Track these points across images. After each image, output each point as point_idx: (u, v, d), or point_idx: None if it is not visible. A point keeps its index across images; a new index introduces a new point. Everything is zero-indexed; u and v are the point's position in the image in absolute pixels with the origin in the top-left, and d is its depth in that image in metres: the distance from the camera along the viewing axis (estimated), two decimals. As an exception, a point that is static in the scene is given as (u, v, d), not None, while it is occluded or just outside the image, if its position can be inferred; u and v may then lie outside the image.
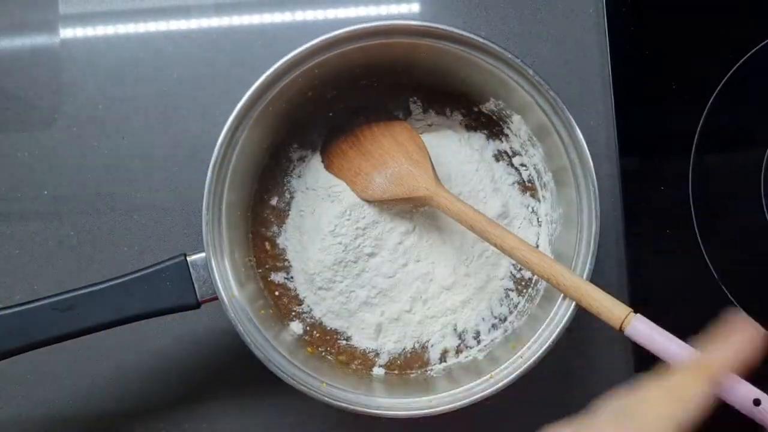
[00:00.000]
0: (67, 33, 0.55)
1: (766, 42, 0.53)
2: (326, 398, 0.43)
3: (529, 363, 0.43)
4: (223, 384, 0.53)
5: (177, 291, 0.43)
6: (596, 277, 0.44)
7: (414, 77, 0.50)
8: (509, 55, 0.44)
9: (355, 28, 0.44)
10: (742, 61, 0.53)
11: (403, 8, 0.56)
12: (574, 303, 0.43)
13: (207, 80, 0.54)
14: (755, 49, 0.53)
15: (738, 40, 0.53)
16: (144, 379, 0.52)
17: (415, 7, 0.56)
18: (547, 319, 0.44)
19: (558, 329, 0.43)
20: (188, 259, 0.43)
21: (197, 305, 0.43)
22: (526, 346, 0.44)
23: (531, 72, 0.43)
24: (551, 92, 0.44)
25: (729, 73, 0.53)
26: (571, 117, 0.44)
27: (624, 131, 0.53)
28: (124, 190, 0.54)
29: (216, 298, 0.43)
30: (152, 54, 0.55)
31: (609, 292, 0.42)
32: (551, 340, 0.43)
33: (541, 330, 0.44)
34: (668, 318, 0.52)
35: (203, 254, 0.43)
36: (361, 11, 0.56)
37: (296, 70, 0.44)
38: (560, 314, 0.44)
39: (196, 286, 0.43)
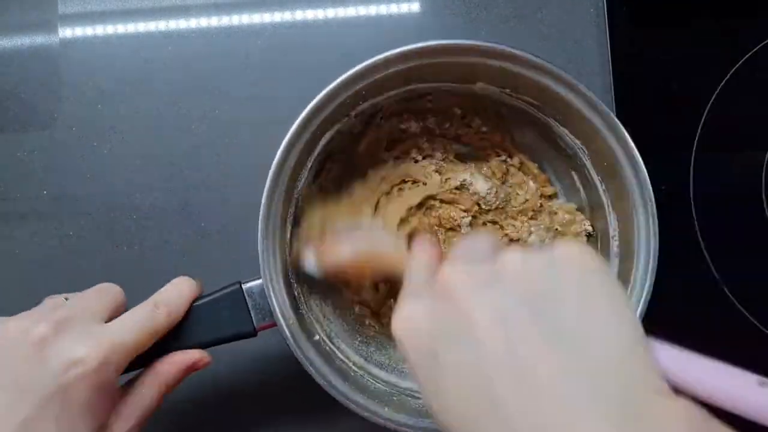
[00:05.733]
0: (66, 33, 0.55)
1: (766, 42, 0.53)
2: (392, 424, 0.42)
3: None
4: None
5: (234, 319, 0.42)
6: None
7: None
8: (565, 75, 0.44)
9: (410, 49, 0.43)
10: (742, 61, 0.53)
11: (403, 7, 0.56)
12: (641, 305, 0.43)
13: (206, 79, 0.54)
14: (755, 49, 0.53)
15: (738, 40, 0.53)
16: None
17: (415, 7, 0.56)
18: None
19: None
20: (243, 286, 0.42)
21: (254, 333, 0.43)
22: None
23: (583, 88, 0.43)
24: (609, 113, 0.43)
25: (729, 73, 0.53)
26: (629, 138, 0.43)
27: (624, 131, 0.54)
28: (124, 190, 0.54)
29: (273, 325, 0.42)
30: (152, 54, 0.55)
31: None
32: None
33: None
34: (668, 317, 0.52)
35: (259, 281, 0.42)
36: (361, 10, 0.56)
37: (344, 92, 0.43)
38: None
39: (252, 313, 0.42)
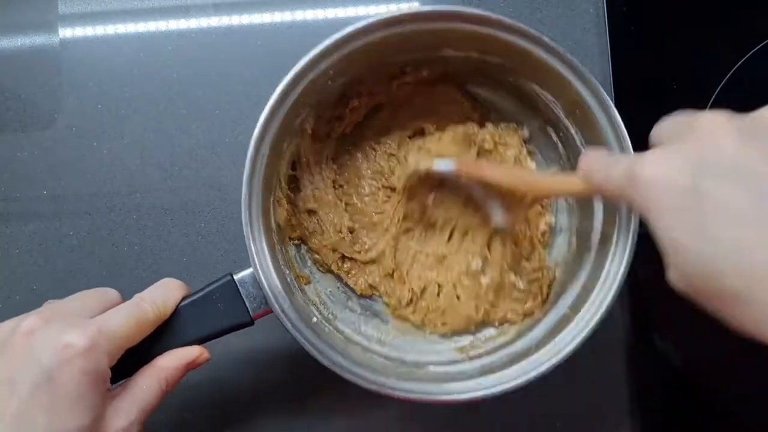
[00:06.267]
0: (66, 33, 0.55)
1: (766, 42, 0.53)
2: (399, 393, 0.42)
3: (592, 324, 0.43)
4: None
5: (230, 311, 0.42)
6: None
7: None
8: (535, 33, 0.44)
9: (380, 19, 0.44)
10: (742, 61, 0.53)
11: (402, 8, 0.56)
12: (626, 259, 0.43)
13: (206, 80, 0.54)
14: (755, 49, 0.53)
15: (738, 40, 0.53)
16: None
17: (415, 6, 0.56)
18: (600, 281, 0.44)
19: (615, 286, 0.43)
20: (235, 277, 0.43)
21: (252, 322, 0.43)
22: (584, 309, 0.44)
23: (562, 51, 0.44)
24: (587, 74, 0.44)
25: (729, 73, 0.53)
26: (606, 95, 0.44)
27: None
28: (123, 190, 0.54)
29: (269, 312, 0.43)
30: (152, 54, 0.55)
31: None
32: (610, 296, 0.43)
33: (596, 290, 0.44)
34: (668, 318, 0.52)
35: (249, 270, 0.43)
36: (361, 10, 0.56)
37: (310, 74, 0.44)
38: (612, 273, 0.44)
39: (247, 302, 0.42)
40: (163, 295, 0.41)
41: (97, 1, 0.55)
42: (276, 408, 0.52)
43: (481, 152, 0.52)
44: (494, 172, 0.46)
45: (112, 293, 0.41)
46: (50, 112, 0.54)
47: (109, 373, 0.37)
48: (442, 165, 0.48)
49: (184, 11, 0.55)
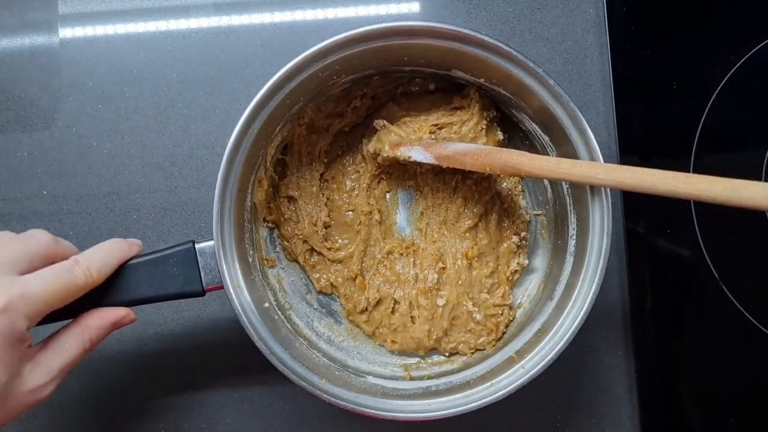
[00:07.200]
0: (66, 33, 0.55)
1: (766, 42, 0.53)
2: (326, 396, 0.43)
3: (531, 373, 0.43)
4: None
5: (183, 277, 0.42)
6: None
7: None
8: (531, 63, 0.44)
9: (377, 28, 0.44)
10: (742, 61, 0.53)
11: (403, 8, 0.56)
12: (581, 316, 0.43)
13: (206, 80, 0.54)
14: (755, 49, 0.53)
15: (738, 40, 0.53)
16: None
17: (415, 7, 0.56)
18: (552, 331, 0.44)
19: (562, 342, 0.43)
20: (197, 246, 0.43)
21: (202, 293, 0.43)
22: (528, 357, 0.44)
23: (552, 82, 0.43)
24: (571, 104, 0.44)
25: (729, 73, 0.53)
26: (588, 128, 0.44)
27: (624, 131, 0.54)
28: (123, 190, 0.54)
29: (221, 287, 0.43)
30: (152, 54, 0.55)
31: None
32: (554, 352, 0.43)
33: (545, 341, 0.44)
34: (668, 317, 0.52)
35: (212, 242, 0.43)
36: (361, 11, 0.56)
37: (315, 65, 0.44)
38: (564, 327, 0.44)
39: (202, 273, 0.43)
40: (100, 260, 0.40)
41: (97, 1, 0.55)
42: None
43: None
44: (477, 161, 0.45)
45: (39, 238, 0.40)
46: (50, 112, 0.54)
47: (27, 335, 0.37)
48: (421, 156, 0.48)
49: (184, 11, 0.55)
